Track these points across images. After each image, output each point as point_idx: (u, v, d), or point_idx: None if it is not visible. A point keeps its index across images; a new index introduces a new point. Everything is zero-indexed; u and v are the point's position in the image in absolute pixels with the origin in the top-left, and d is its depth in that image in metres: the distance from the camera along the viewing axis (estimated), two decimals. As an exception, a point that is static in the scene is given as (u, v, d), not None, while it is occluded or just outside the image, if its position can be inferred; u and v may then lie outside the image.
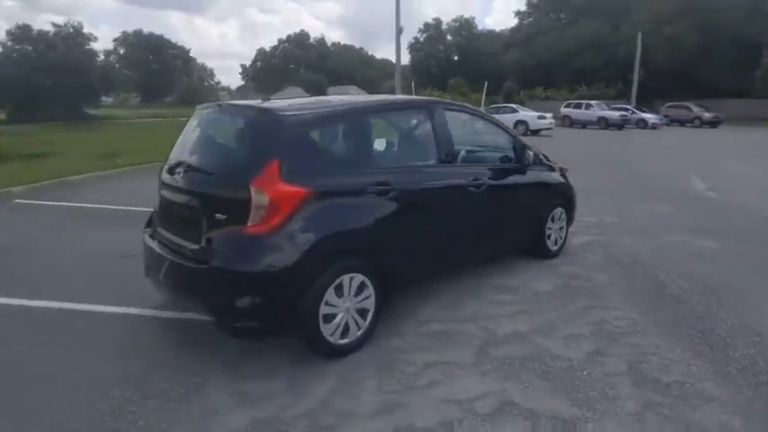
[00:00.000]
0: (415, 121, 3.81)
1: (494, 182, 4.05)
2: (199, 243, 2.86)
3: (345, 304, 2.98)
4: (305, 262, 2.73)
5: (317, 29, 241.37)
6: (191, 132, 3.36)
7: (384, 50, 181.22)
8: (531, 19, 58.08)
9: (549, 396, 2.67)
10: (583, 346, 3.20)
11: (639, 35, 35.97)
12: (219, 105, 3.41)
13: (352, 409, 2.56)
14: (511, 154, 4.39)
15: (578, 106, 30.21)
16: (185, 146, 3.33)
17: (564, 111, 30.55)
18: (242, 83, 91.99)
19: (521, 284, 4.26)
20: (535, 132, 22.77)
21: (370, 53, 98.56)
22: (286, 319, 2.79)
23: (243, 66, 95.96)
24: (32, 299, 3.88)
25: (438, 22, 68.62)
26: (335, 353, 2.99)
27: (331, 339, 2.95)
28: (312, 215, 2.78)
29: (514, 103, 31.82)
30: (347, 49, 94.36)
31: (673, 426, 2.42)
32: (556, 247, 4.95)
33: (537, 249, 4.80)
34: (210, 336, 3.22)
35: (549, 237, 4.83)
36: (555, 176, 4.88)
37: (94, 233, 5.82)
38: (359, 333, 3.09)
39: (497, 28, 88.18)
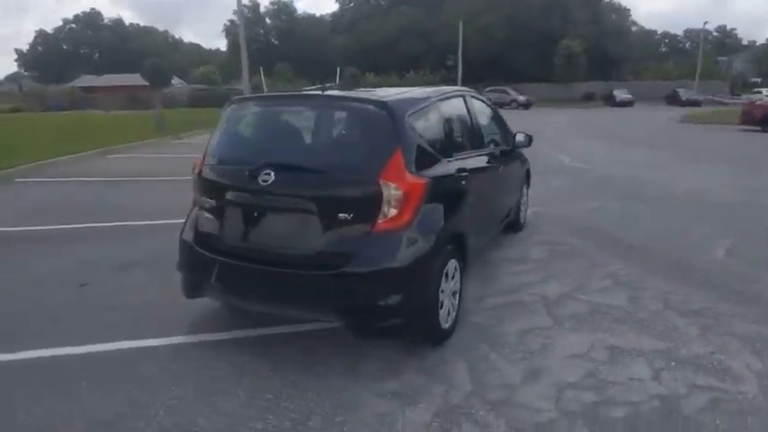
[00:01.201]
0: (461, 109, 4.04)
1: (503, 164, 4.53)
2: (315, 248, 2.71)
3: (448, 289, 3.14)
4: (435, 252, 2.82)
5: (99, 6, 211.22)
6: (258, 129, 3.08)
7: (192, 34, 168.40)
8: (351, 5, 60.26)
9: (636, 336, 3.26)
10: (619, 295, 3.90)
11: (461, 24, 40.20)
12: (300, 96, 3.16)
13: (505, 382, 2.78)
14: (505, 137, 4.91)
15: (416, 91, 32.71)
16: (260, 144, 3.05)
17: (403, 95, 32.82)
18: (16, 70, 76.36)
19: (522, 255, 4.86)
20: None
21: (177, 36, 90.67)
22: (420, 312, 2.84)
23: (18, 51, 78.80)
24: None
25: (255, 4, 66.46)
26: (444, 339, 3.14)
27: (444, 326, 3.09)
28: (431, 205, 2.87)
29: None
30: (148, 31, 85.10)
31: (722, 337, 3.21)
32: (522, 221, 5.67)
33: (514, 223, 5.45)
34: (296, 349, 3.11)
35: (521, 209, 5.53)
36: (524, 157, 5.59)
37: None
38: (453, 315, 3.28)
39: (318, 13, 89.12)
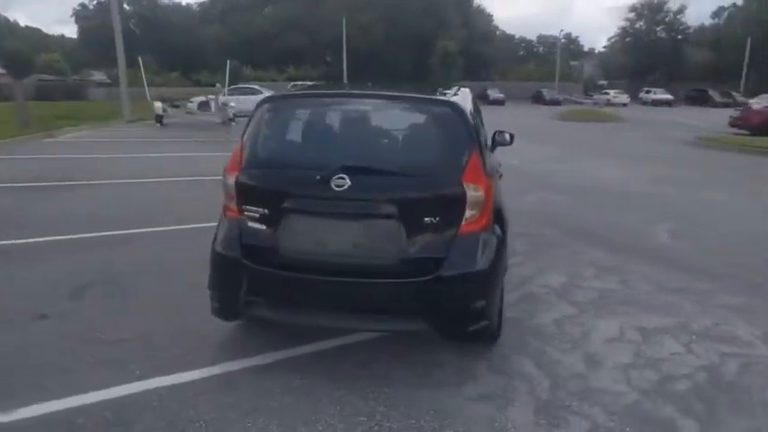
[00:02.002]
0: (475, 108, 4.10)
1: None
2: (400, 254, 2.61)
3: None
4: (504, 251, 2.89)
5: None
6: (316, 130, 2.86)
7: (25, 17, 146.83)
8: (221, -6, 57.25)
9: (650, 316, 3.65)
10: (611, 280, 4.33)
11: (344, 21, 40.42)
12: (360, 95, 2.96)
13: (574, 372, 2.94)
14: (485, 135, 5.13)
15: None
16: (324, 147, 2.84)
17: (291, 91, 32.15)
18: None
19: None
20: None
21: (12, 19, 78.16)
22: (497, 312, 2.89)
23: None
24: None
25: (110, -14, 59.95)
26: (498, 336, 3.22)
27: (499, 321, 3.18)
28: (493, 203, 2.93)
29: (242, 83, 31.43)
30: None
31: (715, 310, 3.75)
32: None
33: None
34: (352, 365, 3.00)
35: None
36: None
37: None
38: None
39: (183, 1, 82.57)
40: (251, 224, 2.77)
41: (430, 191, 2.68)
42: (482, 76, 54.45)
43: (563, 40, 68.98)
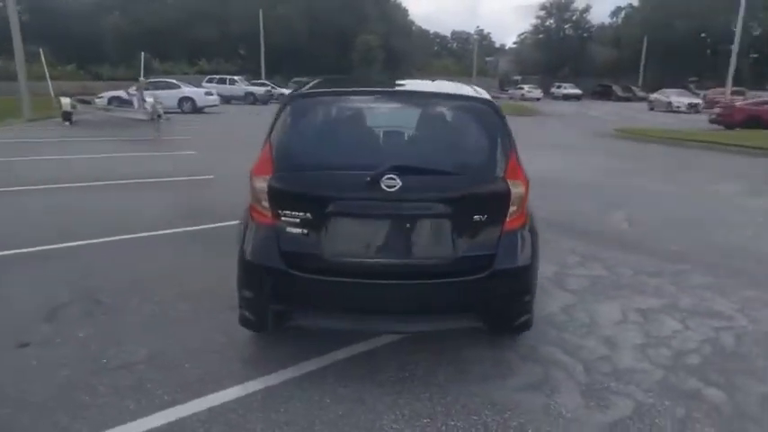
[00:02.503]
0: None
1: None
2: (453, 253, 2.64)
3: None
4: (538, 245, 3.02)
5: None
6: (356, 130, 2.81)
7: None
8: (121, -20, 53.27)
9: (643, 298, 3.99)
10: (595, 267, 4.66)
11: (260, 13, 39.22)
12: (397, 93, 2.91)
13: (599, 355, 3.15)
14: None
15: (222, 81, 31.02)
16: (368, 147, 2.81)
17: (206, 86, 30.79)
18: None
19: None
20: (200, 110, 22.38)
21: None
22: (533, 304, 3.01)
23: None
24: None
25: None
26: None
27: None
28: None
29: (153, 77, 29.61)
30: None
31: (693, 289, 4.17)
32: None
33: None
34: (391, 367, 3.03)
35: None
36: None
37: None
38: None
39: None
40: (290, 230, 2.66)
41: (477, 189, 2.73)
42: (402, 71, 55.41)
43: (476, 37, 72.11)
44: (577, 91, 45.08)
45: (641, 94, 44.14)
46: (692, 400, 2.73)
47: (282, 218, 2.67)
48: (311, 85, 3.17)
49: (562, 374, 2.93)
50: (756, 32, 47.97)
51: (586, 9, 61.26)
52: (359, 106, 2.96)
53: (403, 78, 3.66)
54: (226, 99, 30.03)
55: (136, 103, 15.13)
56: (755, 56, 46.11)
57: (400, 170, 2.57)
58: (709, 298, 4.02)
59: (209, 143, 13.07)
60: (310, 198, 2.65)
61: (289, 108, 2.84)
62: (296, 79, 38.98)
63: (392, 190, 2.55)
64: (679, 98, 31.34)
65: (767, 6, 42.88)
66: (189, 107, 21.84)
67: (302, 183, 2.70)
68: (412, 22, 66.94)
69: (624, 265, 4.72)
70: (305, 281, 2.65)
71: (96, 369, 2.91)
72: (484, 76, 54.71)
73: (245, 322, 2.89)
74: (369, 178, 2.55)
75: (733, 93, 27.99)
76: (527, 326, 2.94)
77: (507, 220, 2.73)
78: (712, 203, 7.44)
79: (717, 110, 20.24)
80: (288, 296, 2.72)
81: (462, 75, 52.41)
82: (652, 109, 31.95)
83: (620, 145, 14.61)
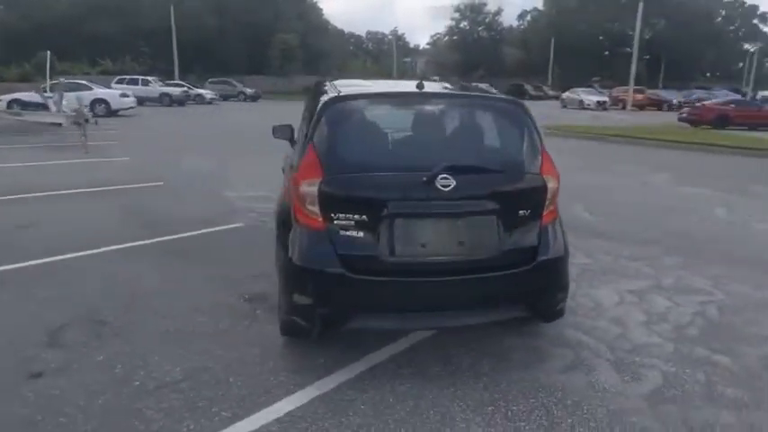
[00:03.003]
0: None
1: None
2: (502, 247, 2.82)
3: None
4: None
5: None
6: (402, 132, 2.89)
7: None
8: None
9: (629, 281, 4.42)
10: (578, 255, 5.05)
11: (172, 8, 37.34)
12: (438, 95, 3.01)
13: (616, 334, 3.48)
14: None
15: (134, 82, 29.23)
16: (418, 148, 2.90)
17: (117, 87, 28.90)
18: None
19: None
20: (115, 113, 20.99)
21: None
22: None
23: None
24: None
25: None
26: None
27: None
28: None
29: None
30: None
31: (669, 270, 4.68)
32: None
33: None
34: (437, 361, 3.16)
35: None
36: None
37: None
38: None
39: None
40: (344, 232, 2.70)
41: (520, 185, 2.95)
42: (321, 71, 55.15)
43: (390, 37, 73.46)
44: (493, 91, 47.19)
45: (552, 93, 47.33)
46: (707, 365, 3.11)
47: (335, 221, 2.71)
48: (337, 86, 3.23)
49: (591, 354, 3.21)
50: (648, 36, 53.04)
51: (498, 12, 64.68)
52: (402, 109, 3.06)
53: (352, 79, 3.83)
54: (140, 101, 28.37)
55: (53, 106, 13.89)
56: (647, 57, 51.14)
57: (453, 170, 2.71)
58: (685, 276, 4.53)
59: (140, 148, 12.35)
60: (366, 200, 2.71)
61: (330, 111, 2.87)
62: (212, 80, 37.83)
63: (447, 189, 2.68)
64: (589, 96, 34.06)
65: (657, 14, 47.64)
66: (103, 110, 20.34)
67: (356, 185, 2.75)
68: (327, 21, 66.98)
69: (601, 251, 5.17)
70: (363, 282, 2.70)
71: (134, 393, 2.76)
72: (404, 77, 55.87)
73: (290, 329, 2.91)
74: (425, 179, 2.67)
75: (635, 91, 30.86)
76: (563, 312, 3.18)
77: (545, 213, 2.96)
78: (655, 192, 8.28)
79: (686, 109, 23.21)
80: (344, 299, 2.76)
81: (382, 75, 53.15)
82: (565, 107, 34.42)
83: (555, 141, 15.63)
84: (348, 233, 2.71)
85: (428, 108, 3.16)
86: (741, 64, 59.88)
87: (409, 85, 3.36)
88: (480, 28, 64.33)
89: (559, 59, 53.43)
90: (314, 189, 2.71)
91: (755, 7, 65.60)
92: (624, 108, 30.61)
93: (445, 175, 2.68)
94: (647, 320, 3.70)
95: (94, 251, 4.90)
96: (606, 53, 55.37)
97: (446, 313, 2.88)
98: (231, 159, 10.54)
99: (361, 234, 2.71)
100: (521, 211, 2.87)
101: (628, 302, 4.01)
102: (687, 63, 54.11)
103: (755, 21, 66.33)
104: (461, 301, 2.87)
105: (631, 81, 29.14)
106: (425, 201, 2.72)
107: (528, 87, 47.42)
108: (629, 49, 56.78)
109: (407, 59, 69.09)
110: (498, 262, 2.82)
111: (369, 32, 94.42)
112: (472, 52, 60.61)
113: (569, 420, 2.59)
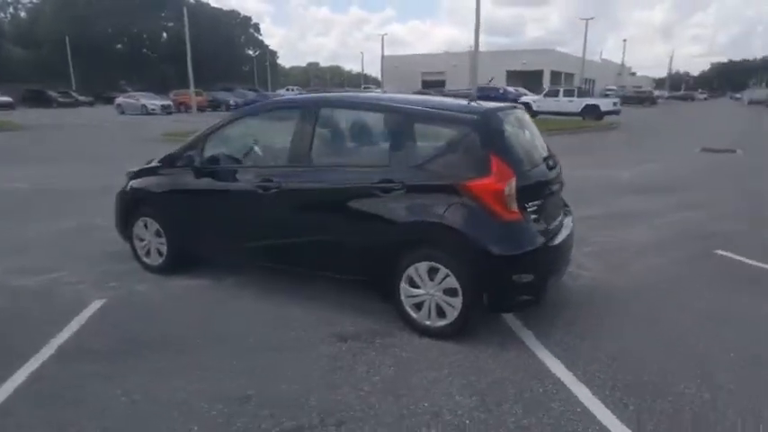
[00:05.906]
0: None
1: None
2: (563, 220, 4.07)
3: None
4: None
5: None
6: (522, 133, 3.90)
7: None
8: None
9: (629, 230, 6.14)
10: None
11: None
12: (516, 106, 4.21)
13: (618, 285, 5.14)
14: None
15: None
16: (532, 145, 3.92)
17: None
18: None
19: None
20: None
21: None
22: None
23: None
24: None
25: None
26: None
27: None
28: None
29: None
30: None
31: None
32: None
33: None
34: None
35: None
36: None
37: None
38: None
39: None
40: (532, 216, 3.47)
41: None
42: None
43: None
44: (7, 98, 38.20)
45: (84, 98, 42.87)
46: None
47: (527, 209, 3.43)
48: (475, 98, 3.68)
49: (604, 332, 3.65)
50: (163, 39, 55.18)
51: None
52: (516, 118, 3.96)
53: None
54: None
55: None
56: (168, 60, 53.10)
57: (547, 161, 3.92)
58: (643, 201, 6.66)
59: None
60: (539, 188, 3.61)
61: (496, 121, 3.58)
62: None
63: (553, 176, 3.91)
64: (152, 101, 32.98)
65: (174, 18, 49.54)
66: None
67: (534, 178, 3.59)
68: None
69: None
70: (550, 249, 3.52)
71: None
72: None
73: (522, 304, 3.49)
74: (548, 167, 3.85)
75: (195, 93, 31.52)
76: None
77: None
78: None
79: None
80: (545, 266, 3.50)
81: None
82: (123, 113, 32.00)
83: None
84: (533, 215, 3.48)
85: (517, 115, 4.07)
86: (246, 67, 70.76)
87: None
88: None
89: (80, 60, 48.70)
90: (512, 187, 3.29)
91: (249, 18, 78.79)
92: (189, 110, 31.14)
93: (545, 165, 3.85)
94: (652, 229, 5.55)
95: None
96: (132, 55, 53.94)
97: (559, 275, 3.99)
98: None
99: (537, 216, 3.51)
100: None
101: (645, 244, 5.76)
102: (207, 65, 59.29)
103: (251, 30, 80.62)
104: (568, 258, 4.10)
105: (191, 83, 28.94)
106: (551, 183, 3.86)
107: (53, 94, 41.40)
108: (151, 53, 56.64)
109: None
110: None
111: None
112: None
113: None
